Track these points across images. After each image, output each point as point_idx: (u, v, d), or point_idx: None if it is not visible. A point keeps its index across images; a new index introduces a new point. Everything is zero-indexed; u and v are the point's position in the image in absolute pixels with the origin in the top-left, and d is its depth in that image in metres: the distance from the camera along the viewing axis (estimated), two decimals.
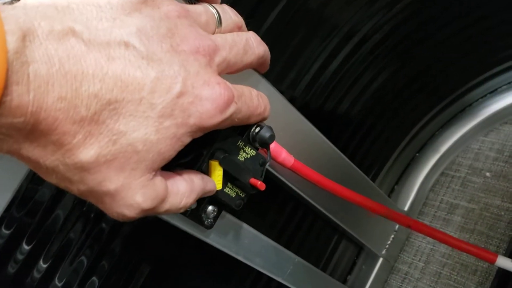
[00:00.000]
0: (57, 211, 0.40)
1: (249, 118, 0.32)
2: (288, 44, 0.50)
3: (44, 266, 0.40)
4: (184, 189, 0.29)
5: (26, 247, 0.39)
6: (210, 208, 0.40)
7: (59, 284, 0.41)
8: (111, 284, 0.43)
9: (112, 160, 0.23)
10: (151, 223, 0.46)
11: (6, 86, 0.19)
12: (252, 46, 0.32)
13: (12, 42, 0.19)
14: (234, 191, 0.39)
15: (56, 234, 0.40)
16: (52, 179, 0.24)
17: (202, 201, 0.39)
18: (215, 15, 0.30)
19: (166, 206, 0.28)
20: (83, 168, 0.23)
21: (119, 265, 0.44)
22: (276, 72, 0.50)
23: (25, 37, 0.20)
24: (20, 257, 0.38)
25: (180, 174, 0.30)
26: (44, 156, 0.22)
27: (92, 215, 0.42)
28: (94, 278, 0.42)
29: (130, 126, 0.23)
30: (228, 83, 0.28)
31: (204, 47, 0.27)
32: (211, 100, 0.26)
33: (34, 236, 0.39)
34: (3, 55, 0.19)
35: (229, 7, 0.32)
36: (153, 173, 0.26)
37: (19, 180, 0.34)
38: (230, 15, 0.32)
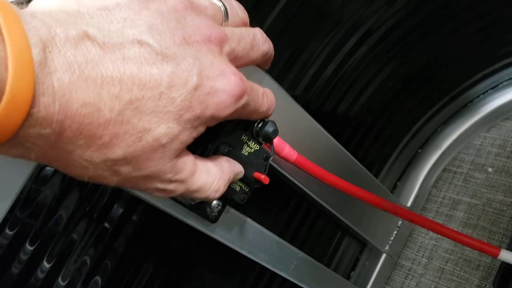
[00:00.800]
0: (60, 211, 0.40)
1: (253, 114, 0.33)
2: (291, 40, 0.50)
3: (48, 266, 0.40)
4: (215, 171, 0.31)
5: (29, 248, 0.39)
6: (214, 202, 0.40)
7: (63, 284, 0.41)
8: (114, 283, 0.44)
9: (140, 155, 0.24)
10: (154, 222, 0.46)
11: (34, 99, 0.19)
12: (259, 42, 0.32)
13: (36, 54, 0.19)
14: (238, 185, 0.39)
15: (59, 234, 0.40)
16: (83, 177, 0.24)
17: None
18: (222, 8, 0.31)
19: (198, 182, 0.29)
20: (113, 163, 0.24)
21: (122, 264, 0.44)
22: (279, 69, 0.51)
23: (46, 47, 0.20)
24: (23, 257, 0.39)
25: (208, 159, 0.31)
26: (72, 158, 0.23)
27: (95, 215, 0.42)
28: (97, 277, 0.42)
29: (153, 122, 0.24)
30: (241, 74, 0.29)
31: (215, 35, 0.27)
32: (227, 91, 0.27)
33: (37, 237, 0.39)
34: (30, 68, 0.19)
35: (236, 1, 0.33)
36: (179, 155, 0.27)
37: (23, 180, 0.34)
38: (237, 10, 0.32)
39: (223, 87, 0.27)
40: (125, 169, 0.25)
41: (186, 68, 0.25)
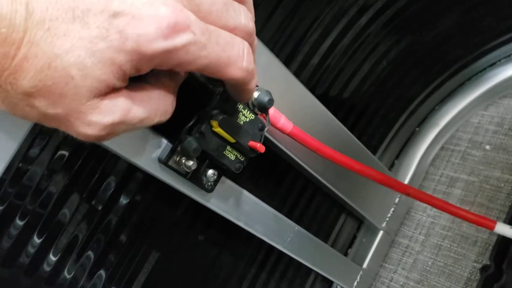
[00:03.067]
0: (65, 205, 0.40)
1: (224, 68, 0.27)
2: (287, 13, 0.50)
3: (54, 259, 0.41)
4: (156, 94, 0.28)
5: (37, 241, 0.39)
6: (210, 171, 0.41)
7: (68, 276, 0.42)
8: (108, 256, 0.44)
9: (51, 85, 0.23)
10: (158, 211, 0.46)
11: None
12: (238, 10, 0.28)
13: None
14: (234, 154, 0.40)
15: (64, 227, 0.40)
16: (4, 104, 0.24)
17: (202, 164, 0.40)
18: None
19: (139, 115, 0.26)
20: (26, 93, 0.23)
21: (116, 237, 0.44)
22: (274, 43, 0.51)
23: None
24: (31, 250, 0.39)
25: (145, 84, 0.28)
26: None
27: (100, 207, 0.42)
28: (89, 252, 0.43)
29: (63, 48, 0.22)
30: (185, 9, 0.25)
31: None
32: (150, 21, 0.23)
33: (44, 230, 0.39)
34: None
35: None
36: (102, 96, 0.24)
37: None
38: None
39: (147, 16, 0.23)
40: (39, 103, 0.23)
41: None
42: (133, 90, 0.27)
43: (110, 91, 0.25)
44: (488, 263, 0.59)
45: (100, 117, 0.25)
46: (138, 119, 0.27)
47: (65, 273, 0.41)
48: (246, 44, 0.28)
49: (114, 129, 0.26)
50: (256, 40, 0.31)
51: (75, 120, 0.24)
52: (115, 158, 0.41)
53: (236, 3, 0.28)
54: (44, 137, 0.37)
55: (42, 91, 0.23)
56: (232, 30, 0.28)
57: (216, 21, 0.27)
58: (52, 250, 0.40)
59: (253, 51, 0.30)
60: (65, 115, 0.24)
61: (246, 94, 0.32)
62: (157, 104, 0.28)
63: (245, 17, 0.28)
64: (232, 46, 0.27)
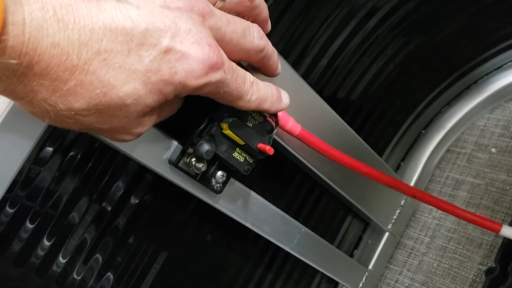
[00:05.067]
0: (74, 208, 0.41)
1: (235, 99, 0.32)
2: (295, 17, 0.51)
3: (63, 261, 0.41)
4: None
5: (47, 243, 0.40)
6: (219, 173, 0.41)
7: (78, 278, 0.42)
8: (117, 259, 0.45)
9: (104, 110, 0.25)
10: (167, 212, 0.47)
11: (4, 26, 0.20)
12: (253, 34, 0.32)
13: None
14: (243, 156, 0.40)
15: (73, 230, 0.41)
16: (44, 120, 0.25)
17: (212, 166, 0.40)
18: None
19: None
20: (77, 113, 0.24)
21: (124, 238, 0.45)
22: (283, 45, 0.51)
23: None
24: (41, 252, 0.40)
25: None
26: (36, 99, 0.23)
27: (110, 208, 0.43)
28: (97, 255, 0.43)
29: (119, 79, 0.24)
30: (221, 50, 0.28)
31: (199, 6, 0.27)
32: (198, 60, 0.26)
33: (54, 232, 0.40)
34: None
35: None
36: (145, 115, 0.28)
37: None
38: None
39: (195, 54, 0.26)
40: (88, 120, 0.25)
41: (160, 28, 0.25)
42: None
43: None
44: (494, 265, 0.59)
45: (140, 129, 0.29)
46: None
47: (74, 274, 0.42)
48: (252, 77, 0.33)
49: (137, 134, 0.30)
50: (271, 48, 0.35)
51: (119, 133, 0.28)
52: (125, 159, 0.42)
53: (250, 24, 0.32)
54: (55, 139, 0.38)
55: (95, 114, 0.25)
56: (247, 52, 0.32)
57: (235, 46, 0.31)
58: (62, 251, 0.41)
59: (269, 59, 0.35)
60: (111, 128, 0.27)
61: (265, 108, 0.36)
62: (170, 111, 0.33)
63: (258, 38, 0.32)
64: (244, 83, 0.32)
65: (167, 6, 0.25)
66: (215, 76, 0.28)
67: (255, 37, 0.32)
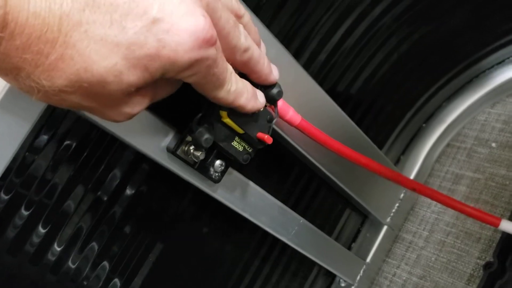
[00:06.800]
0: (69, 196, 0.40)
1: (218, 88, 0.30)
2: (296, 7, 0.50)
3: (58, 249, 0.41)
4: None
5: (42, 230, 0.39)
6: (218, 162, 0.41)
7: (73, 266, 0.42)
8: (113, 247, 0.44)
9: (87, 87, 0.23)
10: (164, 201, 0.46)
11: None
12: (240, 31, 0.30)
13: None
14: (242, 146, 0.40)
15: (68, 218, 0.41)
16: (32, 96, 0.24)
17: (210, 154, 0.40)
18: None
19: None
20: (61, 90, 0.23)
21: (121, 228, 0.44)
22: (284, 36, 0.51)
23: None
24: (36, 240, 0.39)
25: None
26: (21, 76, 0.22)
27: (106, 198, 0.42)
28: (93, 244, 0.43)
29: (100, 54, 0.22)
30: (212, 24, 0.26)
31: None
32: (190, 31, 0.24)
33: (49, 220, 0.40)
34: None
35: None
36: (131, 94, 0.26)
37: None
38: None
39: (187, 25, 0.23)
40: (73, 98, 0.24)
41: None
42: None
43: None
44: (492, 260, 0.59)
45: (129, 109, 0.27)
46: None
47: (70, 263, 0.42)
48: (231, 67, 0.30)
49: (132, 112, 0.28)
50: (258, 52, 0.33)
51: (108, 111, 0.26)
52: (122, 148, 0.42)
53: (239, 24, 0.30)
54: (50, 127, 0.37)
55: (78, 90, 0.23)
56: (232, 48, 0.30)
57: (224, 38, 0.29)
58: (56, 239, 0.40)
59: (256, 63, 0.33)
60: (99, 107, 0.26)
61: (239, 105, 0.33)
62: (165, 93, 0.31)
63: (244, 36, 0.30)
64: (226, 70, 0.29)
65: None
66: (208, 52, 0.25)
67: (241, 33, 0.30)
